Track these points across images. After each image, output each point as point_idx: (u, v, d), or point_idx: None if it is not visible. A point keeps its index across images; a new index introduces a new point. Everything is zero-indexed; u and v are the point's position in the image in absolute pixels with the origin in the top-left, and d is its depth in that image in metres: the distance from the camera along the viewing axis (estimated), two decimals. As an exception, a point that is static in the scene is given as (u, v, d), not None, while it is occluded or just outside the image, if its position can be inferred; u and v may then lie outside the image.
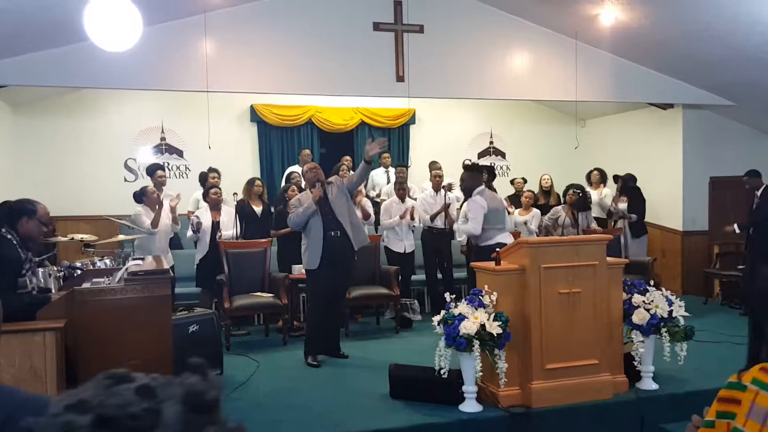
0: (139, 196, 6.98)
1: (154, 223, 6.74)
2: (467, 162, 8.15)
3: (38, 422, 0.76)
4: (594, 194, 8.96)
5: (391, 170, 9.42)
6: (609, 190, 9.25)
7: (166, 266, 5.03)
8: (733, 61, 7.69)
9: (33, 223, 4.13)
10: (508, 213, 7.94)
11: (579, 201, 7.86)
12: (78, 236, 6.20)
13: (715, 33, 7.17)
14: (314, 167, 6.08)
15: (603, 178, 9.32)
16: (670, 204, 9.36)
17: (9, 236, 4.00)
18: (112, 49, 5.32)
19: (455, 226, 6.74)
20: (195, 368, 0.80)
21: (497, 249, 4.96)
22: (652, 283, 5.13)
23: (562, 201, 8.37)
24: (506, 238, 5.97)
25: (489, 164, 9.64)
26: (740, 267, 8.25)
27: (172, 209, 6.97)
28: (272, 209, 7.70)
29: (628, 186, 8.77)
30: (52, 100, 9.22)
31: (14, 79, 6.88)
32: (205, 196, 7.55)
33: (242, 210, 7.56)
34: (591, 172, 9.38)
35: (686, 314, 4.91)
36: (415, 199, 8.30)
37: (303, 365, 5.86)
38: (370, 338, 7.11)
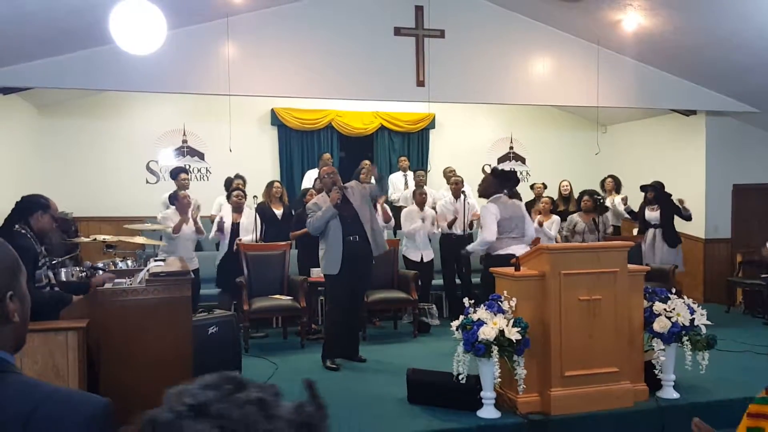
0: (173, 199, 7.04)
1: (176, 229, 6.77)
2: (486, 166, 8.09)
3: (158, 415, 0.76)
4: (607, 201, 8.86)
5: (410, 174, 9.41)
6: (622, 197, 9.09)
7: (188, 268, 5.07)
8: (759, 68, 7.59)
9: (47, 218, 4.22)
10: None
11: (596, 207, 8.00)
12: (100, 237, 6.28)
13: (741, 40, 7.08)
14: (331, 171, 6.07)
15: (617, 186, 9.20)
16: (692, 211, 9.22)
17: (23, 231, 4.09)
18: (136, 52, 5.38)
19: (469, 247, 6.45)
20: (307, 388, 0.78)
21: (509, 260, 4.88)
22: (673, 290, 5.07)
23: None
24: (521, 250, 5.52)
25: (510, 170, 9.52)
26: (764, 276, 8.13)
27: (194, 220, 6.97)
28: (293, 212, 7.73)
29: (662, 194, 8.46)
30: (76, 101, 9.33)
31: (40, 81, 6.97)
32: (229, 198, 7.61)
33: (263, 212, 7.60)
34: (605, 179, 9.26)
35: (708, 323, 4.86)
36: (434, 207, 8.26)
37: (321, 368, 5.88)
38: (387, 342, 7.10)
